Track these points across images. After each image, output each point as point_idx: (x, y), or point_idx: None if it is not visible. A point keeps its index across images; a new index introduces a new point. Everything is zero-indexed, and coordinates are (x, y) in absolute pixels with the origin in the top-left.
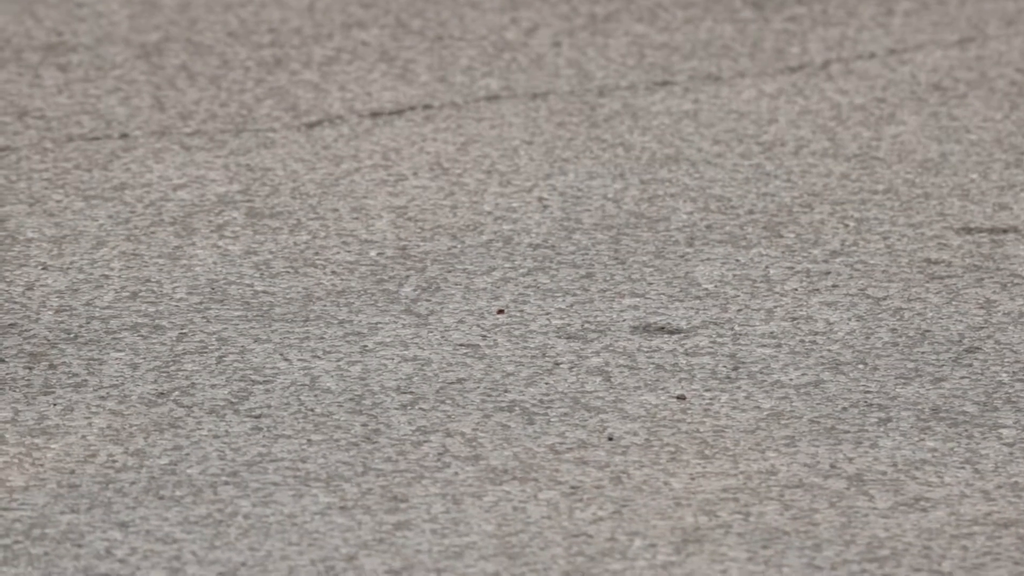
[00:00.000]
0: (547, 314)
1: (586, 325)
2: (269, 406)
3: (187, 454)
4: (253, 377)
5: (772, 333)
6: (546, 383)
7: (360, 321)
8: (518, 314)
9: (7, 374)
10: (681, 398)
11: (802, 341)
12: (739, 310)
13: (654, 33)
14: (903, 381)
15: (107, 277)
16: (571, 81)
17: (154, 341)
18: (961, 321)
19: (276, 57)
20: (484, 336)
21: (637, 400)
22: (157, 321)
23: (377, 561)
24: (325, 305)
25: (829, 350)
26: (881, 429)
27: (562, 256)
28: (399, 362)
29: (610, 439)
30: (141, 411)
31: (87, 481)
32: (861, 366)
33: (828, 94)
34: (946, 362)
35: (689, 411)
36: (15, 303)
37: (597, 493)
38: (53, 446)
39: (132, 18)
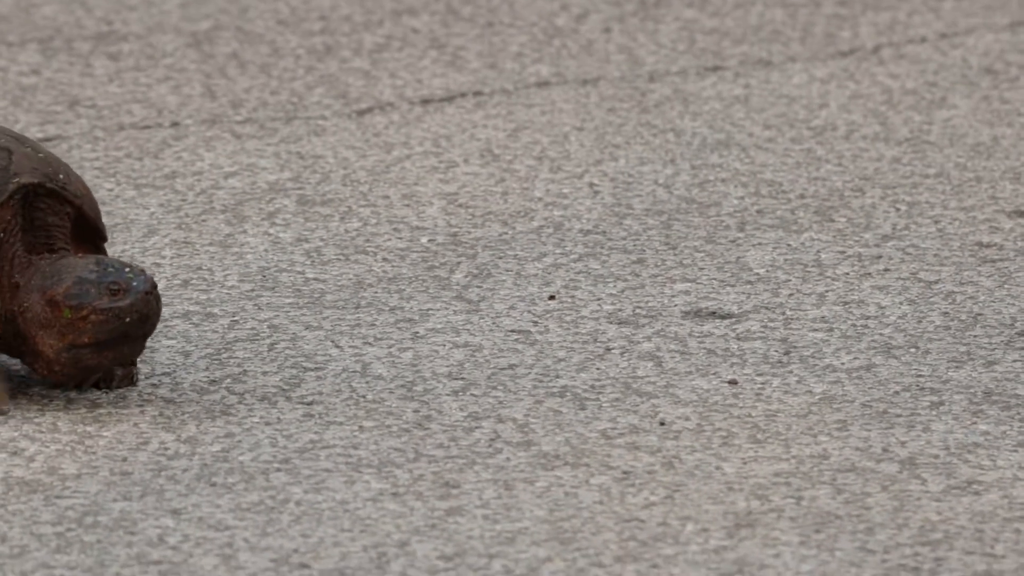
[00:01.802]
0: (598, 300)
1: (637, 310)
2: (321, 393)
3: (239, 441)
4: (304, 364)
5: (824, 317)
6: (597, 368)
7: (411, 308)
8: (569, 300)
9: None
10: (733, 383)
11: (854, 325)
12: (790, 295)
13: (704, 18)
14: (955, 365)
15: (158, 265)
16: (621, 67)
17: (206, 329)
18: (1013, 304)
19: (326, 45)
20: (535, 322)
21: (689, 385)
22: (209, 309)
23: (429, 547)
24: (376, 292)
25: (881, 334)
26: (933, 413)
27: (613, 242)
28: (450, 348)
29: (662, 424)
30: (193, 398)
31: (139, 468)
32: (913, 350)
33: (879, 78)
34: (998, 345)
35: (741, 396)
36: None
37: (649, 478)
38: (105, 434)
39: (182, 7)
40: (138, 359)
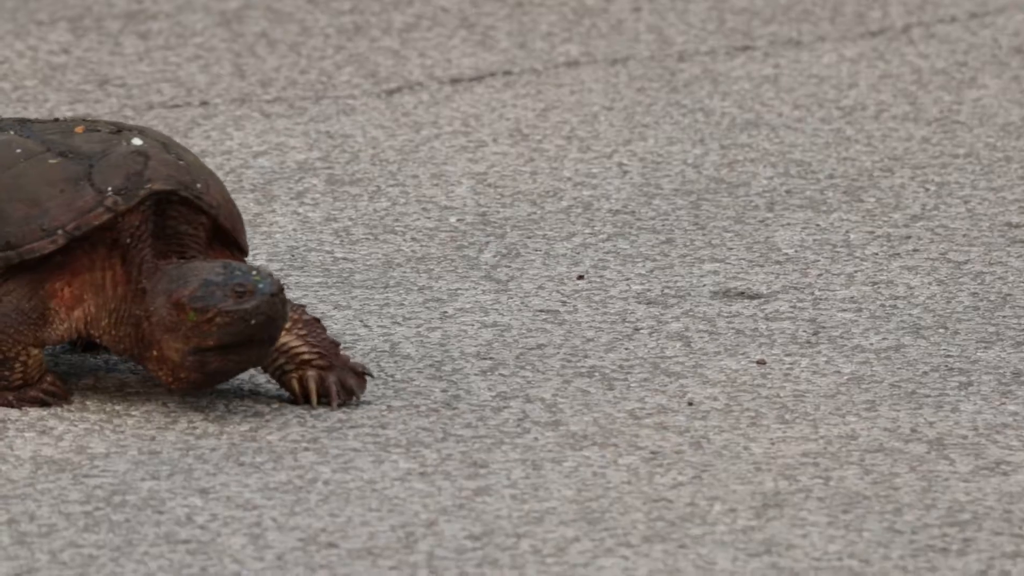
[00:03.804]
0: (627, 279)
1: (666, 290)
2: None
3: (267, 420)
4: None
5: (852, 298)
6: (626, 348)
7: (440, 287)
8: (598, 279)
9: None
10: (761, 363)
11: (882, 305)
12: (819, 275)
13: None
14: (984, 345)
15: None
16: (651, 46)
17: None
18: None
19: (356, 24)
20: (564, 302)
21: (717, 365)
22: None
23: (457, 527)
24: (405, 271)
25: (910, 314)
26: (962, 393)
27: (642, 222)
28: (479, 328)
29: (690, 404)
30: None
31: (168, 448)
32: (942, 330)
33: (909, 58)
34: None
35: (769, 376)
36: None
37: (677, 458)
38: (134, 413)
39: None
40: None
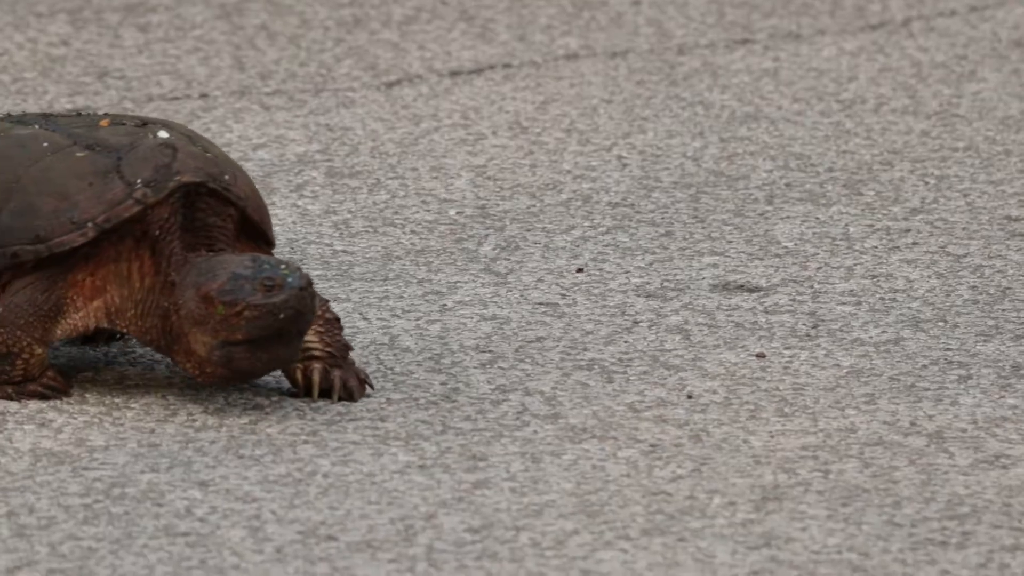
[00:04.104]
0: (626, 272)
1: (665, 283)
2: None
3: (267, 413)
4: None
5: (852, 291)
6: (625, 341)
7: (439, 280)
8: (597, 272)
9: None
10: (761, 356)
11: (882, 299)
12: (819, 268)
13: None
14: (984, 338)
15: None
16: (650, 39)
17: None
18: None
19: (355, 16)
20: (563, 295)
21: (716, 358)
22: None
23: (456, 520)
24: (404, 264)
25: (909, 308)
26: (961, 386)
27: (641, 214)
28: (478, 321)
29: (689, 397)
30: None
31: (167, 440)
32: (941, 323)
33: (909, 51)
34: None
35: (768, 369)
36: None
37: (676, 451)
38: (133, 405)
39: None
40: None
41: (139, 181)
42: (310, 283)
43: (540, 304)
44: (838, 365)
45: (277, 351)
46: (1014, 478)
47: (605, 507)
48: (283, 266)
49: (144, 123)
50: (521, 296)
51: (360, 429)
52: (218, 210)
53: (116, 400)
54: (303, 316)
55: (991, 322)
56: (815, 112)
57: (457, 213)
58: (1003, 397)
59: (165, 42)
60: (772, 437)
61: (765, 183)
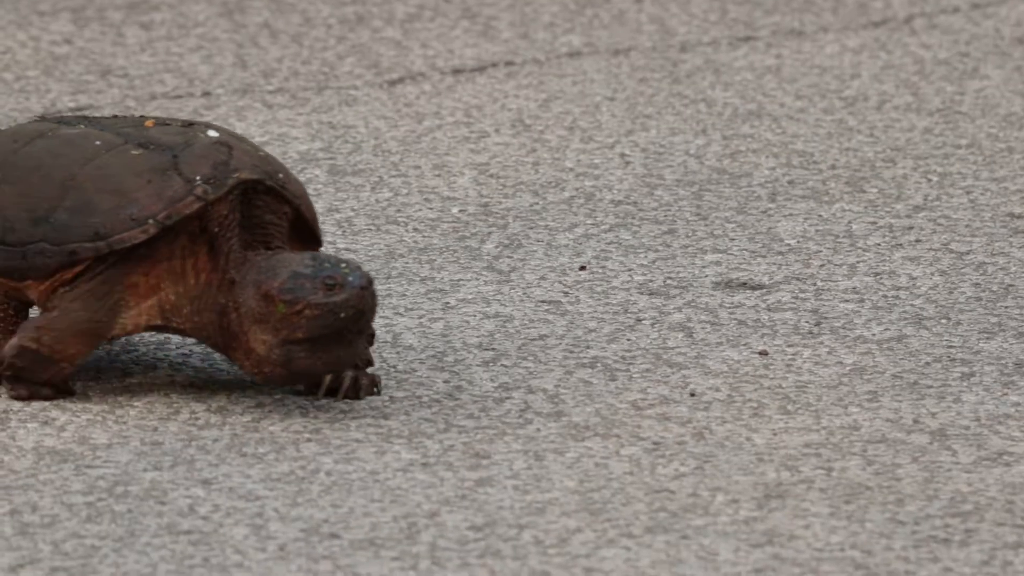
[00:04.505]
0: (629, 270)
1: (668, 281)
2: None
3: (269, 411)
4: None
5: (855, 288)
6: (628, 339)
7: (442, 278)
8: (600, 270)
9: None
10: (763, 353)
11: (885, 296)
12: (821, 265)
13: None
14: (986, 336)
15: None
16: (653, 37)
17: None
18: None
19: (358, 14)
20: (566, 292)
21: (719, 356)
22: None
23: (459, 517)
24: (407, 262)
25: (912, 305)
26: (964, 384)
27: (644, 212)
28: (481, 319)
29: (692, 395)
30: (223, 368)
31: (170, 438)
32: (944, 321)
33: (911, 48)
34: None
35: (771, 367)
36: None
37: (679, 449)
38: (136, 403)
39: None
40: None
41: (198, 178)
42: (371, 282)
43: (543, 302)
44: (841, 363)
45: (337, 351)
46: (1017, 475)
47: (608, 505)
48: (343, 264)
49: (190, 124)
50: (524, 294)
51: (363, 427)
52: (274, 208)
53: (119, 398)
54: (364, 315)
55: (994, 319)
56: (818, 109)
57: (460, 211)
58: (1006, 394)
59: (168, 40)
60: (775, 435)
61: (768, 180)
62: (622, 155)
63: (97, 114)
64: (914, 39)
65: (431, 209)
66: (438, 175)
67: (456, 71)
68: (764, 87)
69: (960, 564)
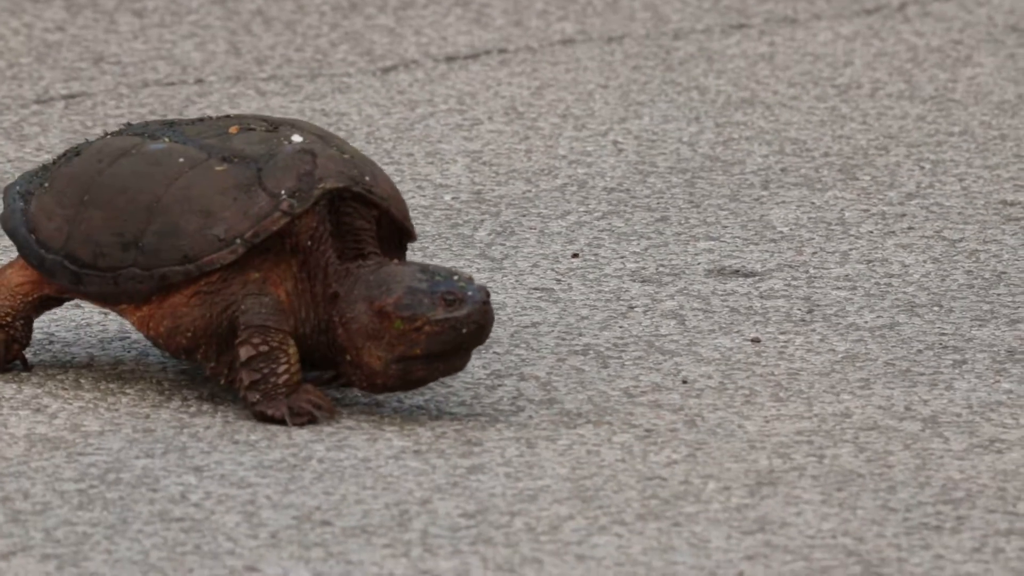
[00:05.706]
0: (622, 258)
1: (660, 268)
2: None
3: None
4: None
5: (847, 276)
6: (620, 327)
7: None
8: (592, 258)
9: (82, 319)
10: (756, 341)
11: (877, 283)
12: (814, 253)
13: None
14: (979, 323)
15: None
16: (646, 24)
17: None
18: None
19: (351, 1)
20: (558, 280)
21: (711, 343)
22: None
23: (451, 504)
24: None
25: (904, 292)
26: (956, 371)
27: (637, 200)
28: None
29: (684, 382)
30: None
31: (162, 426)
32: (936, 308)
33: (904, 36)
34: (1022, 304)
35: (764, 354)
36: None
37: (671, 436)
38: (128, 391)
39: None
40: None
41: (283, 192)
42: (488, 295)
43: (535, 289)
44: (833, 350)
45: (454, 361)
46: (1009, 462)
47: (600, 492)
48: (456, 277)
49: (274, 126)
50: (516, 281)
51: (355, 414)
52: (362, 212)
53: (111, 386)
54: (484, 329)
55: (986, 307)
56: (811, 97)
57: (452, 198)
58: (998, 382)
59: (161, 27)
60: (767, 422)
61: (761, 168)
62: (615, 142)
63: (90, 102)
64: (907, 26)
65: (424, 196)
66: (431, 162)
67: (449, 58)
68: (757, 75)
69: (952, 551)
